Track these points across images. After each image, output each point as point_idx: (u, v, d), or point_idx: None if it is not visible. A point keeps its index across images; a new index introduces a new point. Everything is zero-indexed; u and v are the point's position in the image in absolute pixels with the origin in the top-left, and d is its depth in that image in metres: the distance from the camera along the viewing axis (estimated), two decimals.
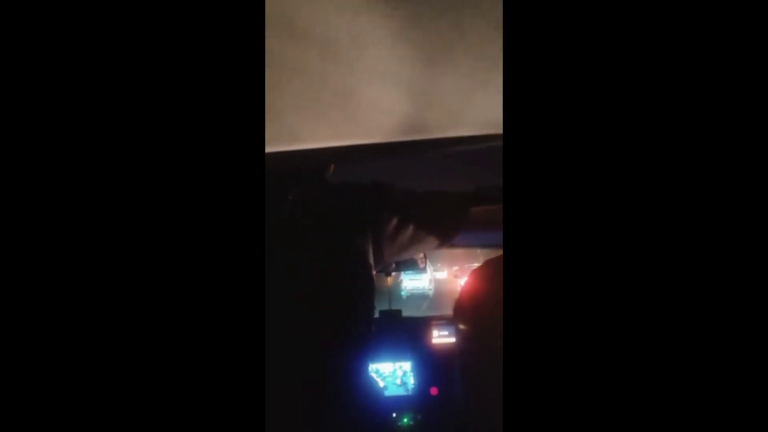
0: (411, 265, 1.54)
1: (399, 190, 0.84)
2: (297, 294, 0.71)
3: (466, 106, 0.68)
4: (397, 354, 1.52)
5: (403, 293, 8.12)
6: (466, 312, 0.61)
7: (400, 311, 1.60)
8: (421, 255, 1.43)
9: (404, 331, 1.56)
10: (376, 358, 1.51)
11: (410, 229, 0.83)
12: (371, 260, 0.79)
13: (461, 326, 0.62)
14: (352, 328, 0.76)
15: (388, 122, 0.70)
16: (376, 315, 1.56)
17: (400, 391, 1.50)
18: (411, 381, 1.50)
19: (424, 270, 1.59)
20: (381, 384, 1.50)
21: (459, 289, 0.70)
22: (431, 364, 1.48)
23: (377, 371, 1.51)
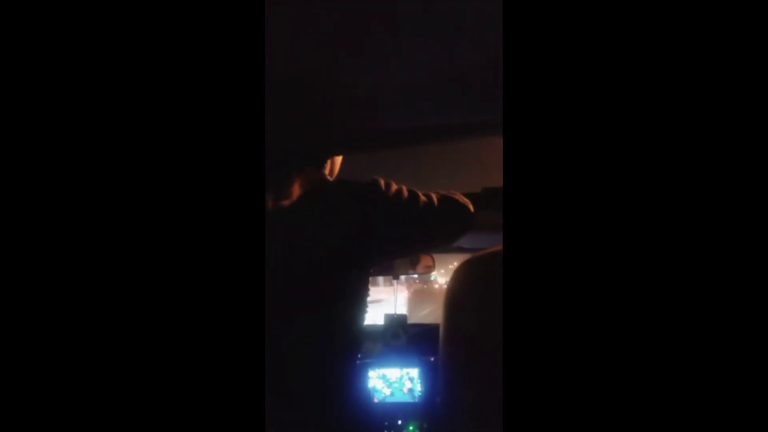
0: (421, 268, 1.51)
1: (400, 188, 0.82)
2: (285, 292, 0.69)
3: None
4: (404, 360, 1.49)
5: None
6: (445, 312, 0.60)
7: (405, 316, 1.57)
8: (429, 257, 1.40)
9: (412, 337, 1.53)
10: (383, 363, 1.49)
11: (411, 229, 0.80)
12: (365, 260, 0.77)
13: (442, 325, 0.62)
14: (339, 330, 0.73)
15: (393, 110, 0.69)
16: (381, 321, 1.54)
17: (407, 398, 1.47)
18: (418, 388, 1.47)
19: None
20: (387, 391, 1.47)
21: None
22: (439, 372, 1.44)
23: (383, 377, 1.49)
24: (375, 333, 1.53)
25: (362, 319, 0.76)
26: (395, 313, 1.59)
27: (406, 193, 0.78)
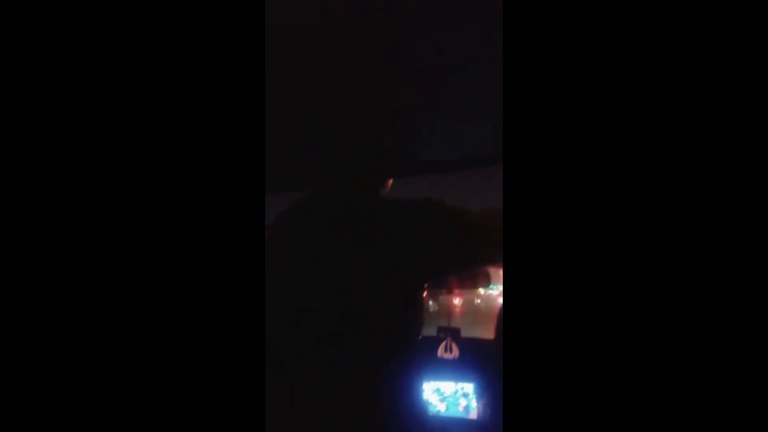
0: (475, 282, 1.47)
1: (452, 207, 0.80)
2: (338, 308, 0.71)
3: None
4: (458, 374, 1.45)
5: None
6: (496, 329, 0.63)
7: (458, 330, 1.53)
8: (484, 271, 1.35)
9: (468, 351, 1.48)
10: (438, 376, 1.45)
11: (463, 245, 0.79)
12: (421, 275, 0.77)
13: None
14: (393, 345, 0.74)
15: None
16: (432, 333, 1.50)
17: (462, 414, 1.42)
18: (473, 405, 1.42)
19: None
20: (442, 407, 1.44)
21: None
22: (496, 389, 1.39)
23: (438, 390, 1.46)
24: (427, 345, 1.51)
25: (418, 332, 0.78)
26: (449, 326, 1.55)
27: (457, 211, 0.78)
